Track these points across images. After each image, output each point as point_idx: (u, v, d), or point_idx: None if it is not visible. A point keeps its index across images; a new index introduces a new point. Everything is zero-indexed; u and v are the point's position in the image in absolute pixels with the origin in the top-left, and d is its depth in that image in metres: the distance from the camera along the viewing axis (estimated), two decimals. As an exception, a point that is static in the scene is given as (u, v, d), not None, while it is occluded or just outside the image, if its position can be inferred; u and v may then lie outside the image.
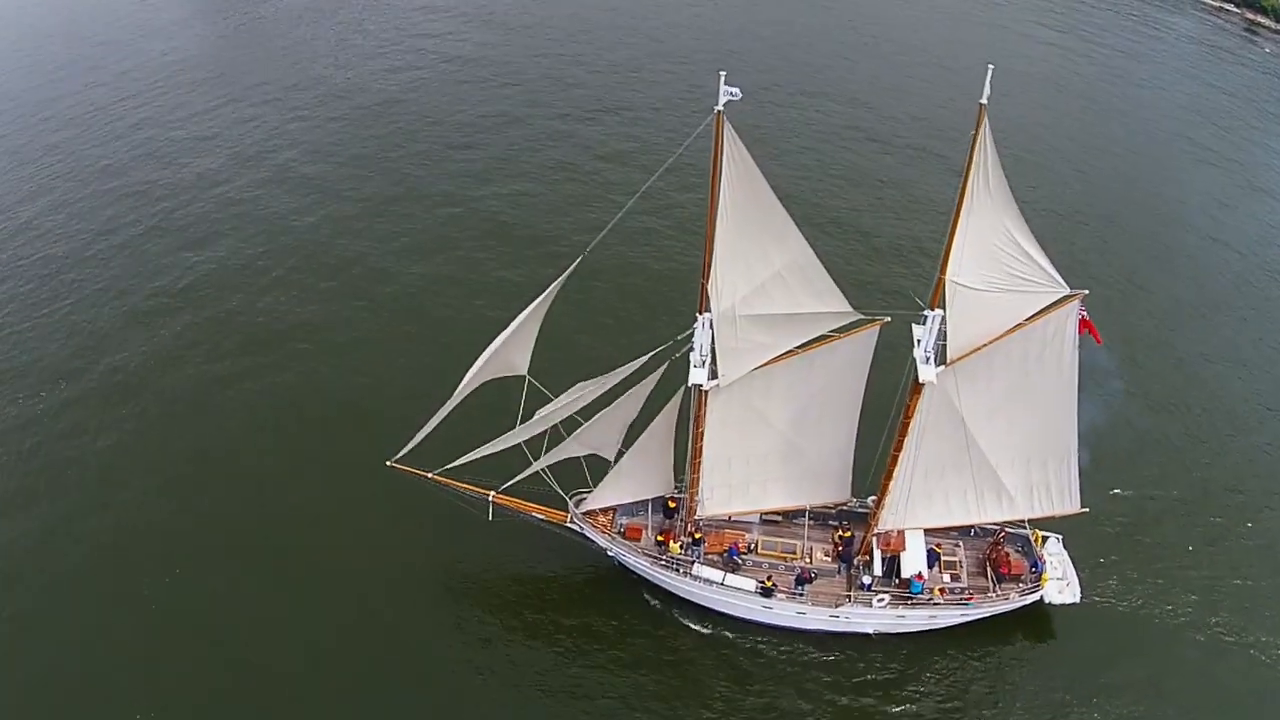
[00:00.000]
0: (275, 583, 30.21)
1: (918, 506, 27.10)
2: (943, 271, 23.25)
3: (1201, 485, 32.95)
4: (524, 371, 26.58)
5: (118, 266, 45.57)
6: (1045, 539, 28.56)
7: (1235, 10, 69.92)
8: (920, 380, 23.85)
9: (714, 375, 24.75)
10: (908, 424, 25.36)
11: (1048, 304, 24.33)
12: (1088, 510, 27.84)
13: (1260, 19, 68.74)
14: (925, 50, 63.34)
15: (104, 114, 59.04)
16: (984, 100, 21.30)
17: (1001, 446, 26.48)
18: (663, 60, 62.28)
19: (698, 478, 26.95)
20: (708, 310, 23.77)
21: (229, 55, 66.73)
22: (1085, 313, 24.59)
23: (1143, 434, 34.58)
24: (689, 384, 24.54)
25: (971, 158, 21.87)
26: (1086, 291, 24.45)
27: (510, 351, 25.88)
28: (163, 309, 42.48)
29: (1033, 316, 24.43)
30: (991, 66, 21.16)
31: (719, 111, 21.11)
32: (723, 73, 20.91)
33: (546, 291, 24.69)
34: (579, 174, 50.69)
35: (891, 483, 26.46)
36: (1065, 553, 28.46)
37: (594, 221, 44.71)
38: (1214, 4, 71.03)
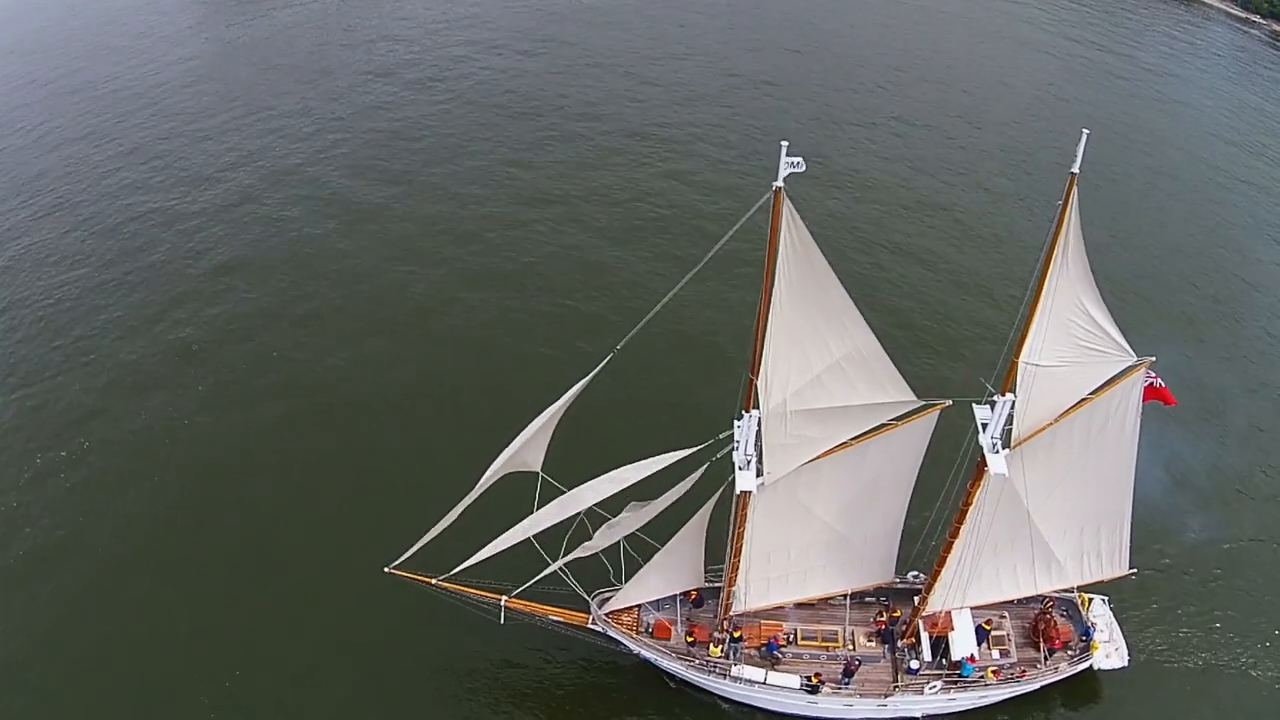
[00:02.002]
0: (267, 678, 26.09)
1: (968, 586, 24.43)
2: (1017, 354, 20.19)
3: (1249, 526, 31.01)
4: (537, 468, 22.51)
5: (144, 290, 41.50)
6: (1090, 600, 26.48)
7: (1262, 22, 69.53)
8: (991, 472, 20.88)
9: (758, 472, 21.25)
10: (966, 510, 22.51)
11: (1114, 374, 21.78)
12: (1136, 571, 25.85)
13: (1285, 30, 68.60)
14: (966, 74, 60.17)
15: (126, 125, 54.58)
16: (1076, 169, 18.03)
17: (1057, 518, 23.87)
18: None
19: (735, 576, 23.56)
20: (755, 407, 20.13)
21: (251, 65, 61.70)
22: (1156, 378, 22.10)
23: (1190, 475, 32.29)
24: (736, 490, 20.89)
25: (1058, 231, 18.68)
26: (1153, 358, 21.85)
27: (524, 449, 21.79)
28: (192, 339, 38.62)
29: (1098, 389, 21.79)
30: (1086, 132, 17.87)
31: (778, 188, 17.20)
32: (784, 143, 16.98)
33: (569, 393, 20.61)
34: (637, 194, 47.39)
35: (944, 569, 23.68)
36: (1110, 613, 26.40)
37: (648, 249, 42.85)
38: (1241, 15, 70.61)
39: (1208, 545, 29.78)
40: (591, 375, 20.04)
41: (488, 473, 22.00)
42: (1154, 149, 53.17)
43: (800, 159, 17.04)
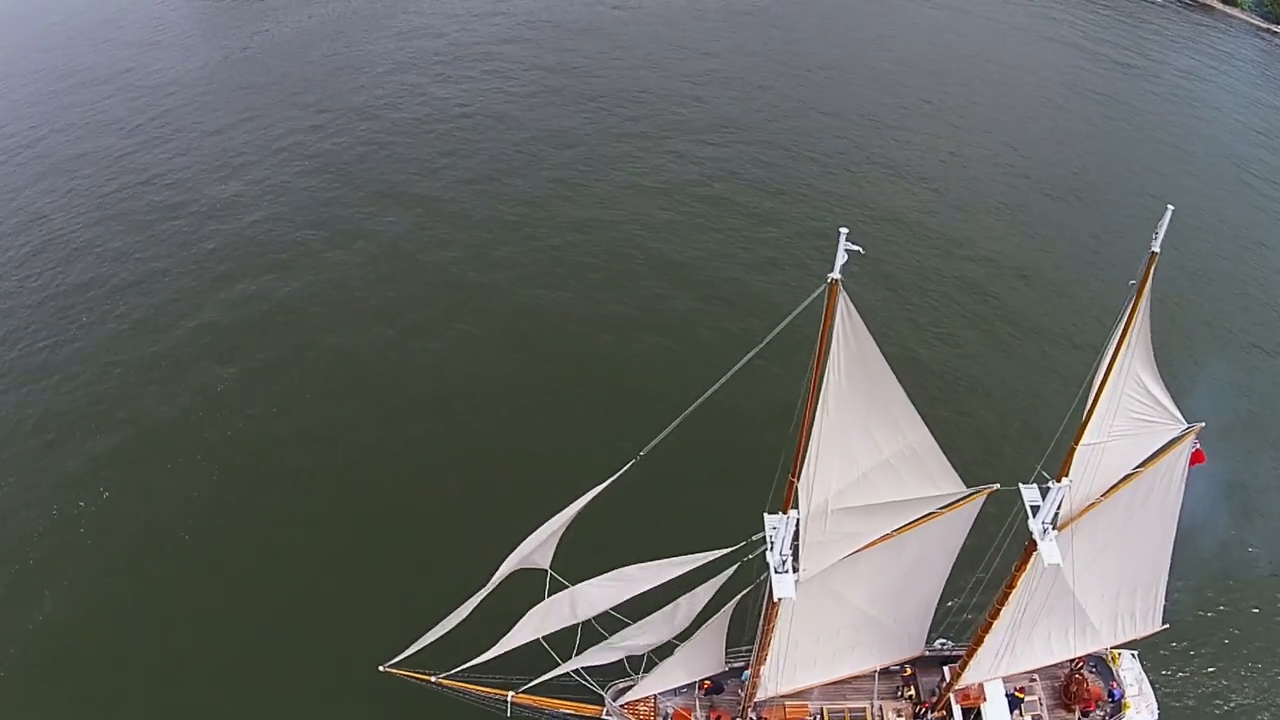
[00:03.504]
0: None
1: (1002, 658, 22.78)
2: (1077, 441, 18.17)
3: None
4: (546, 566, 19.91)
5: (168, 292, 38.97)
6: (1120, 655, 25.10)
7: None
8: (1046, 562, 18.95)
9: (793, 568, 18.93)
10: (1009, 592, 20.66)
11: (1164, 443, 19.97)
12: (1168, 626, 24.49)
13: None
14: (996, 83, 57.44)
15: (143, 128, 51.17)
16: (1157, 248, 15.81)
17: (1095, 585, 22.13)
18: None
19: (761, 667, 21.41)
20: (794, 508, 17.74)
21: (271, 68, 57.92)
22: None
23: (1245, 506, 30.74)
24: (775, 597, 18.55)
25: (1134, 311, 16.52)
26: (1203, 424, 20.07)
27: (535, 551, 19.19)
28: (214, 350, 36.17)
29: (1146, 461, 19.98)
30: (1171, 209, 15.59)
31: (835, 280, 14.60)
32: (843, 230, 14.32)
33: (585, 497, 17.95)
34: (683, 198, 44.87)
35: (981, 648, 21.90)
36: (1140, 667, 25.11)
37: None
38: (1263, 26, 69.79)
39: (1244, 581, 28.64)
40: (610, 480, 17.42)
41: (494, 577, 19.39)
42: (1191, 154, 51.82)
43: (859, 246, 14.46)
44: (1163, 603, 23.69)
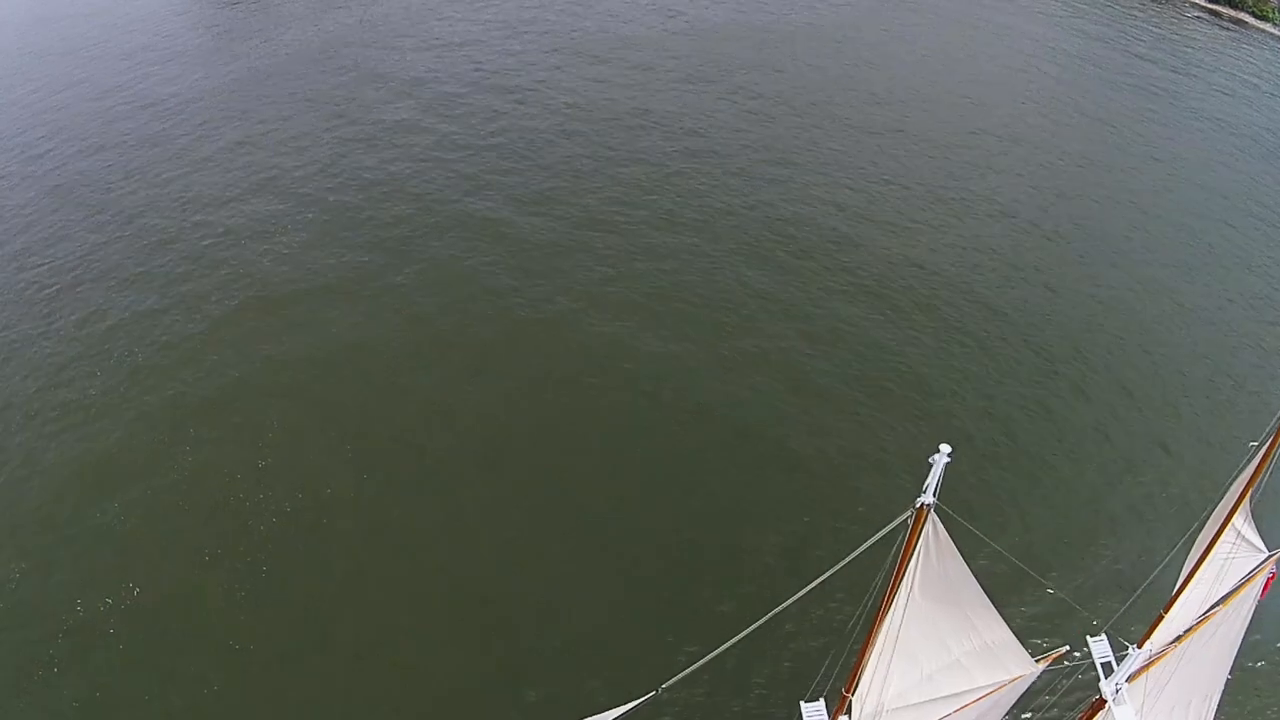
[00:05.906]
0: None
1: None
2: (1167, 609, 15.45)
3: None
4: None
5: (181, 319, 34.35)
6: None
7: None
8: (1121, 734, 16.43)
9: (836, 758, 15.98)
10: (1068, 745, 18.26)
11: (1241, 578, 17.50)
12: (1217, 724, 22.62)
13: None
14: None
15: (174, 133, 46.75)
16: (1295, 415, 12.78)
17: (1149, 713, 20.20)
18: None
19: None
20: (845, 714, 14.62)
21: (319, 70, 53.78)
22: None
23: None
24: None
25: (1256, 476, 13.60)
26: (1281, 552, 17.65)
27: None
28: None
29: (1222, 599, 17.51)
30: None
31: (926, 505, 11.13)
32: (945, 448, 10.74)
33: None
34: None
35: (1031, 793, 19.64)
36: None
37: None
38: None
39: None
40: (626, 709, 13.82)
41: None
42: (1225, 166, 49.55)
43: (950, 449, 10.85)
44: (1215, 709, 21.82)
